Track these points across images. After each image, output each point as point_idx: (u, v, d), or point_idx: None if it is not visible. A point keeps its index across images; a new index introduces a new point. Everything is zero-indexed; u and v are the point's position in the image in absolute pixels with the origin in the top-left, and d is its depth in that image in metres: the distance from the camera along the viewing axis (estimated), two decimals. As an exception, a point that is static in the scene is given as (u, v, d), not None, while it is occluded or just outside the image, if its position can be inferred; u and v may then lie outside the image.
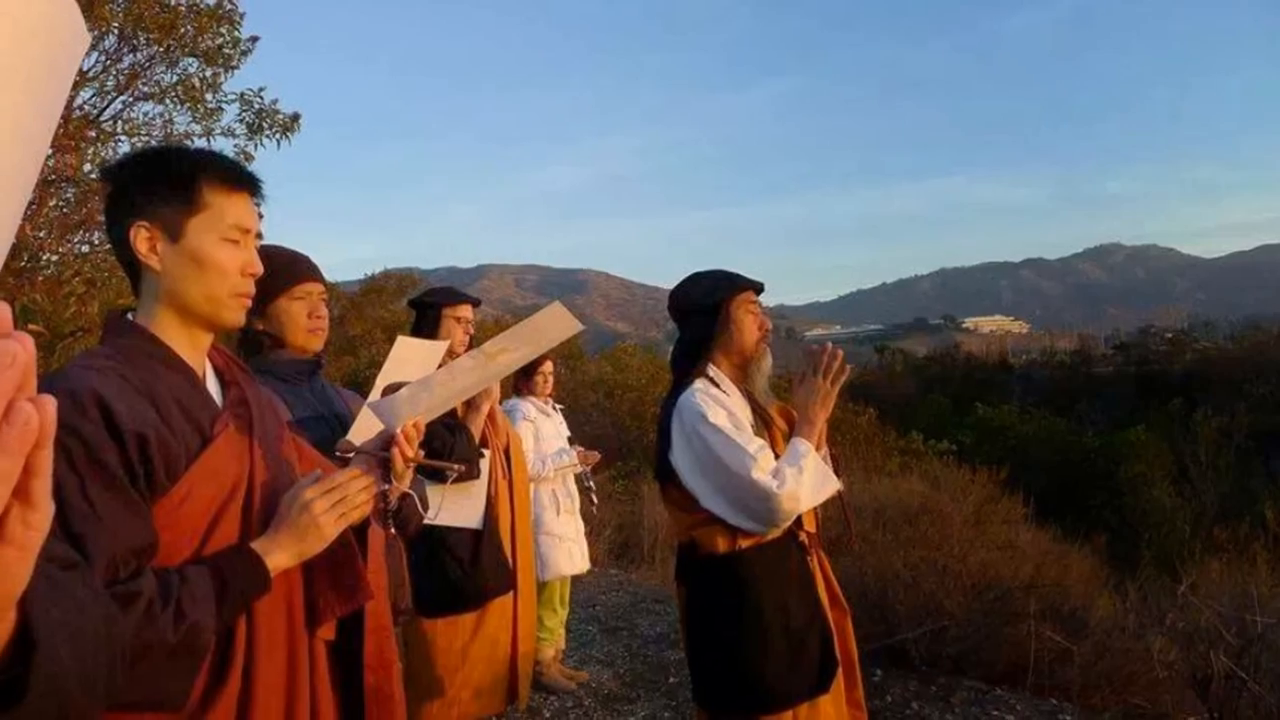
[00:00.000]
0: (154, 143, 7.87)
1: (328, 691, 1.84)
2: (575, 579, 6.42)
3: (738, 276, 3.30)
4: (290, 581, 1.78)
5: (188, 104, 8.21)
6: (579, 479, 6.25)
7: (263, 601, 1.69)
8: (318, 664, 1.82)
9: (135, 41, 7.89)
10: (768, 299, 3.41)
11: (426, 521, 2.40)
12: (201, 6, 7.95)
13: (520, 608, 4.27)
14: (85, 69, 7.59)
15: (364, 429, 2.10)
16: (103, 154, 7.75)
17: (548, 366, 6.06)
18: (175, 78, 8.23)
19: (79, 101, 7.80)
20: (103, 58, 7.91)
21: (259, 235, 1.87)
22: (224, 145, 8.19)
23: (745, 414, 3.16)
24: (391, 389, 2.04)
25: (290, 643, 1.76)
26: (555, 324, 2.10)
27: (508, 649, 4.18)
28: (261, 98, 8.40)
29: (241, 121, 8.41)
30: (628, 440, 19.56)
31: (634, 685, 6.24)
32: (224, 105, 8.40)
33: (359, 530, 1.94)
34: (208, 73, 8.24)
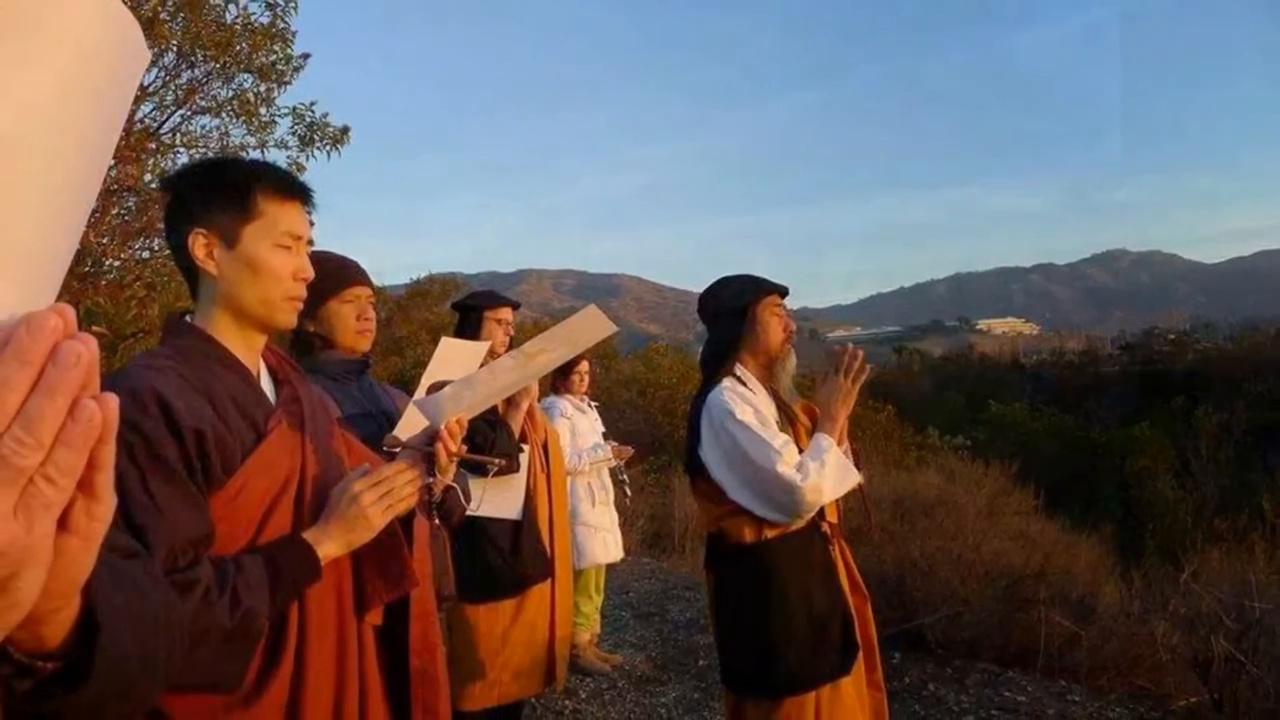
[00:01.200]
0: (211, 154, 7.90)
1: (375, 673, 1.84)
2: (610, 567, 6.43)
3: (764, 281, 3.29)
4: (340, 570, 1.78)
5: (243, 117, 8.23)
6: (613, 472, 6.26)
7: (314, 589, 1.70)
8: (366, 647, 1.82)
9: (193, 58, 7.92)
10: (791, 302, 3.39)
11: (469, 513, 2.40)
12: (256, 25, 7.97)
13: (558, 594, 4.26)
14: (145, 84, 7.63)
15: (410, 425, 2.10)
16: (162, 165, 7.77)
17: (584, 366, 6.06)
18: (231, 92, 8.25)
19: (140, 115, 7.84)
20: (162, 74, 7.94)
21: (310, 242, 1.87)
22: (277, 157, 8.21)
23: (771, 411, 3.15)
24: (436, 387, 2.05)
25: (340, 627, 1.77)
26: (591, 326, 2.10)
27: (546, 633, 4.17)
28: (313, 111, 8.41)
29: (294, 134, 8.42)
30: (659, 436, 19.52)
31: (665, 668, 6.24)
32: (277, 119, 8.41)
33: (405, 521, 1.94)
34: (262, 88, 8.26)
